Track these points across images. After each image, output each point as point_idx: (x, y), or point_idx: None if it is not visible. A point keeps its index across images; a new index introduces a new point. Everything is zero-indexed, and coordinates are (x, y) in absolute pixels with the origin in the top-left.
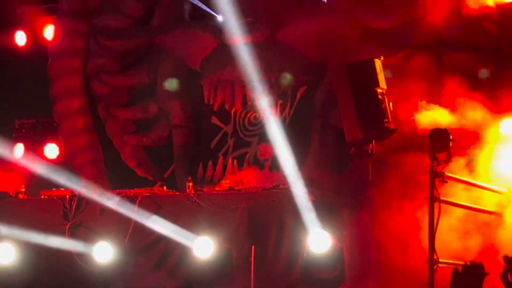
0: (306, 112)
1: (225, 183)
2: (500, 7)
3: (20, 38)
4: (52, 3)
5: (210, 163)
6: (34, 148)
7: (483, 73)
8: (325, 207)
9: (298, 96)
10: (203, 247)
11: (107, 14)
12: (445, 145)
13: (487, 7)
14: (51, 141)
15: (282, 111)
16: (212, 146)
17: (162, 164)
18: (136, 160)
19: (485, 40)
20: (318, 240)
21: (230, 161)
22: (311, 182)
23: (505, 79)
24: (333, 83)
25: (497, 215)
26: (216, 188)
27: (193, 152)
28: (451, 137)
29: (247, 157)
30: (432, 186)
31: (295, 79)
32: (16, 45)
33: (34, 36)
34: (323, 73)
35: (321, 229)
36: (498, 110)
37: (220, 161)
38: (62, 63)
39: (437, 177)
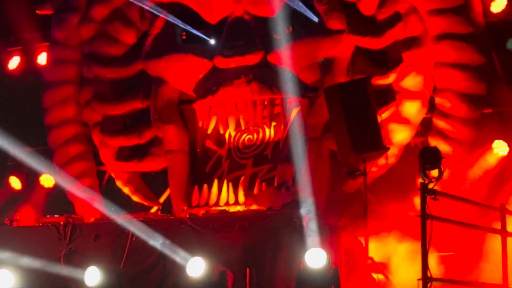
0: (300, 134)
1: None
2: (491, 24)
3: (14, 63)
4: (46, 31)
5: (205, 186)
6: (31, 176)
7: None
8: (320, 227)
9: (291, 118)
10: (195, 267)
11: (100, 42)
12: (436, 162)
13: (479, 24)
14: (47, 170)
15: (275, 133)
16: (207, 170)
17: (157, 189)
18: (132, 186)
19: (477, 57)
20: (314, 258)
21: (225, 184)
22: (306, 203)
23: (499, 96)
24: (326, 103)
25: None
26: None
27: (188, 176)
28: (442, 155)
29: (241, 179)
30: (424, 204)
31: (288, 100)
32: (10, 70)
33: (29, 62)
34: (316, 94)
35: (317, 248)
36: (490, 129)
37: (215, 184)
38: (56, 92)
39: (428, 195)
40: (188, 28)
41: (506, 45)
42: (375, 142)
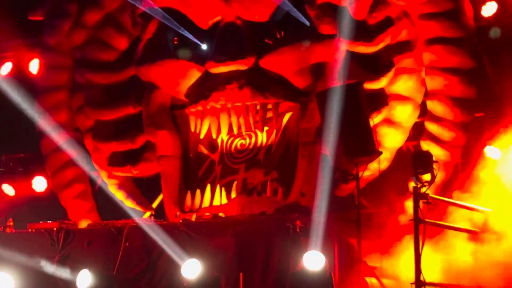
0: (292, 139)
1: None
2: (482, 28)
3: (5, 69)
4: (38, 37)
5: (198, 191)
6: (22, 182)
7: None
8: (314, 231)
9: (284, 123)
10: (191, 269)
11: (92, 47)
12: (429, 166)
13: (470, 29)
14: (39, 174)
15: (268, 137)
16: (200, 175)
17: (150, 194)
18: (124, 192)
19: (468, 61)
20: (312, 260)
21: (217, 189)
22: (297, 208)
23: (489, 100)
24: (317, 108)
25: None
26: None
27: (181, 181)
28: (434, 159)
29: (234, 184)
30: (416, 208)
31: (281, 105)
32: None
33: (19, 69)
34: (308, 99)
35: (315, 250)
36: (481, 132)
37: (207, 189)
38: (48, 97)
39: (421, 199)
40: (181, 31)
41: (489, 34)
42: (367, 146)
